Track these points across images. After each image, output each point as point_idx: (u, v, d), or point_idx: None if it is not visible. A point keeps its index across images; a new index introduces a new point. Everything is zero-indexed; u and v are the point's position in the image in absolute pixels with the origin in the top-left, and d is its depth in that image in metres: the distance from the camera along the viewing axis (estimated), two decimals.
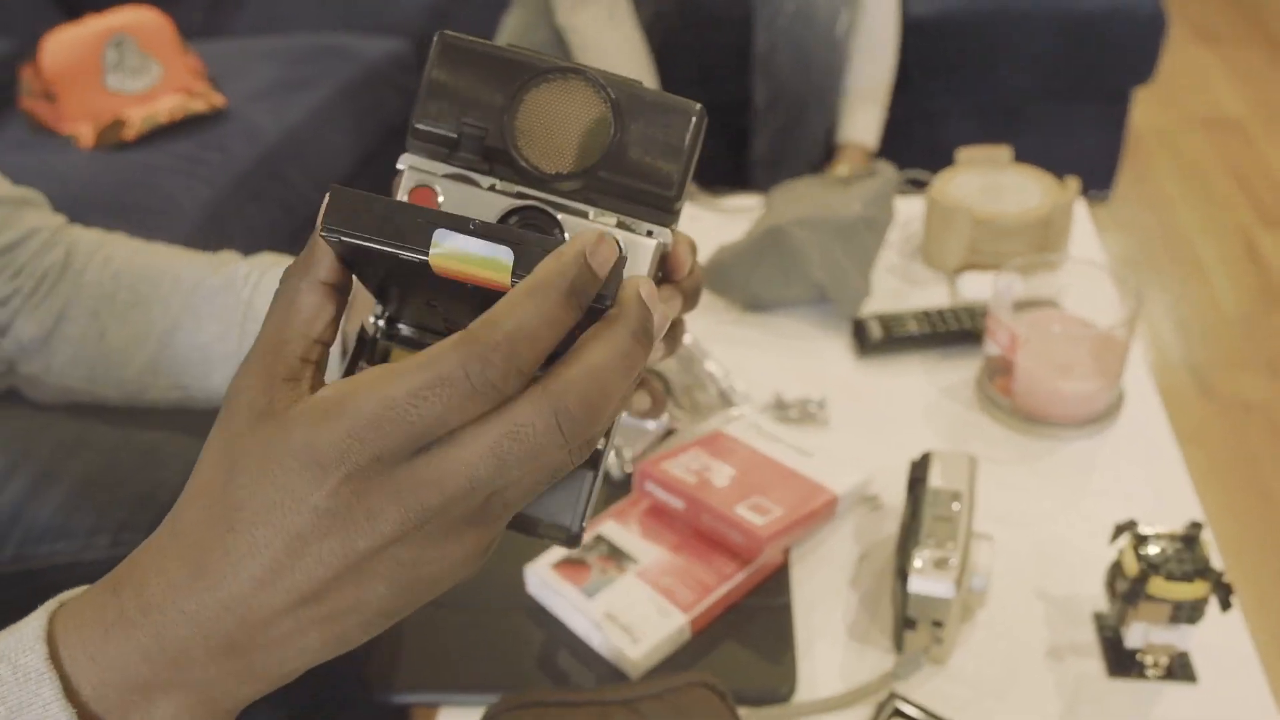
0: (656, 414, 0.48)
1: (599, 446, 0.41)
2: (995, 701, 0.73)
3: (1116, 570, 0.73)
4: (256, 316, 0.69)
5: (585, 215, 0.38)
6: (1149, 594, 0.70)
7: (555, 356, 0.34)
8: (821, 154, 1.90)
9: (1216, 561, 0.71)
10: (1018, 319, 0.95)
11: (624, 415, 0.42)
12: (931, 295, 1.14)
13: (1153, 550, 0.70)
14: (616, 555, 0.81)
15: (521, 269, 0.33)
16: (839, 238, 1.09)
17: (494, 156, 0.38)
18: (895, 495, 0.87)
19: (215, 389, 0.72)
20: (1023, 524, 0.85)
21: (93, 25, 1.70)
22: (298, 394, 0.34)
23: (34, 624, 0.35)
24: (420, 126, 0.38)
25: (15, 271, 0.70)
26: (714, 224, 1.26)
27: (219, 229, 1.56)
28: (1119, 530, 0.73)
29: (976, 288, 1.11)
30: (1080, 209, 1.23)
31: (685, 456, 0.87)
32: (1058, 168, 1.26)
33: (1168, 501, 0.87)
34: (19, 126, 1.74)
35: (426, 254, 0.33)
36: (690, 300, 0.43)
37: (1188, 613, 0.70)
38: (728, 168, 2.00)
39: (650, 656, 0.75)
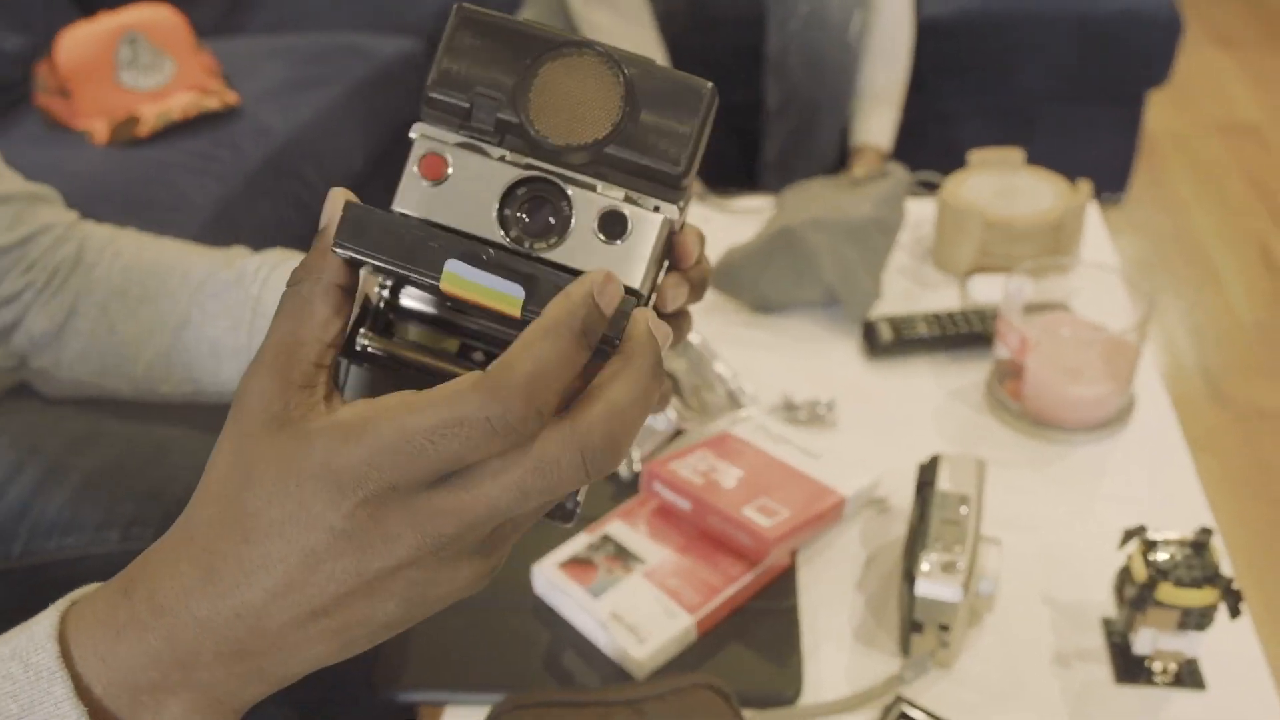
0: (661, 408, 0.48)
1: None
2: (1001, 706, 0.73)
3: (1125, 576, 0.73)
4: (266, 312, 0.69)
5: (593, 188, 0.38)
6: (1158, 600, 0.69)
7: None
8: (833, 157, 1.90)
9: (1226, 568, 0.71)
10: (1028, 322, 0.94)
11: None
12: (942, 298, 1.13)
13: (1162, 556, 0.70)
14: (623, 555, 0.81)
15: (533, 304, 0.34)
16: (850, 239, 1.09)
17: (505, 127, 0.38)
18: (903, 498, 0.87)
19: (225, 383, 0.72)
20: (1031, 528, 0.85)
21: (107, 22, 1.71)
22: (313, 402, 0.34)
23: (45, 622, 0.36)
24: (434, 95, 0.39)
25: (28, 266, 0.71)
26: (724, 225, 1.26)
27: (231, 226, 1.57)
28: (1128, 536, 0.73)
29: (987, 290, 1.11)
30: (1093, 212, 1.22)
31: (693, 457, 0.87)
32: (1071, 170, 1.25)
33: (1178, 508, 0.86)
34: (34, 123, 1.75)
35: (438, 280, 0.34)
36: (696, 291, 0.43)
37: (1197, 619, 0.70)
38: (739, 170, 2.00)
39: (656, 657, 0.75)
